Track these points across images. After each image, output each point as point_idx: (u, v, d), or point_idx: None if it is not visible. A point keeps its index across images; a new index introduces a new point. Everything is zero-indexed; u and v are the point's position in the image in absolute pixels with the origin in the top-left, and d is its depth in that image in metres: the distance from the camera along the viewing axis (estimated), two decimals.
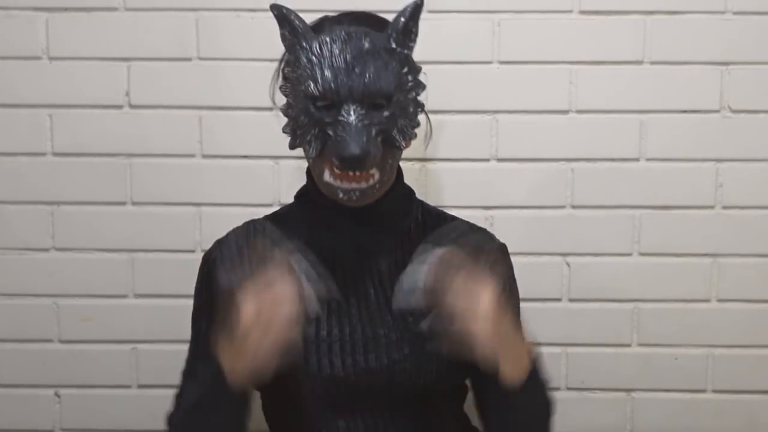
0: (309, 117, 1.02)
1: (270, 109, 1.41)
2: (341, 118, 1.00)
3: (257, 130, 1.42)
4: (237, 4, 1.41)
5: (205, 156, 1.43)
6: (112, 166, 1.43)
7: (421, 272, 0.98)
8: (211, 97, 1.42)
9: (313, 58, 1.02)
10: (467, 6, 1.41)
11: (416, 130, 1.08)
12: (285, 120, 1.07)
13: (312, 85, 1.01)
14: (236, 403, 0.98)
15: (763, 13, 1.41)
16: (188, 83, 1.42)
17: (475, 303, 0.95)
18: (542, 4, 1.41)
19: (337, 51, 1.01)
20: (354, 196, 1.04)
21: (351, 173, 1.02)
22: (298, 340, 0.95)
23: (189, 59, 1.42)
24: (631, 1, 1.41)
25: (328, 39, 1.02)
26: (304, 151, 1.06)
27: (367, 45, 1.02)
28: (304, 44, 1.03)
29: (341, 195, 1.04)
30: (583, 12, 1.41)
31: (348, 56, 1.01)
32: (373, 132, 1.01)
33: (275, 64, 1.37)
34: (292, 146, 1.07)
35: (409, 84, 1.06)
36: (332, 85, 1.00)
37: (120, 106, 1.43)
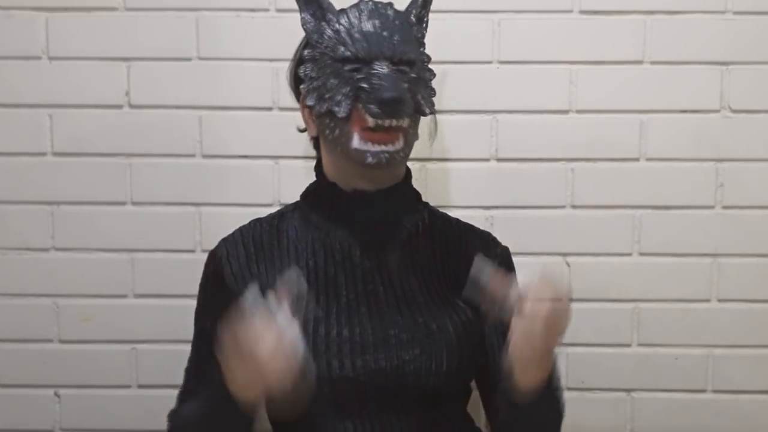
0: (339, 78, 1.05)
1: (270, 109, 1.42)
2: (374, 71, 1.03)
3: (257, 130, 1.42)
4: (237, 4, 1.41)
5: (205, 156, 1.43)
6: (112, 166, 1.43)
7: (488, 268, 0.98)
8: (211, 97, 1.42)
9: (341, 27, 1.06)
10: (467, 6, 1.41)
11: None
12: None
13: (342, 48, 1.05)
14: (242, 416, 0.97)
15: (763, 13, 1.41)
16: (188, 83, 1.42)
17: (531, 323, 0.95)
18: (542, 4, 1.41)
19: (365, 18, 1.07)
20: (383, 158, 1.05)
21: (387, 122, 1.02)
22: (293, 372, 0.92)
23: (189, 59, 1.42)
24: (631, 1, 1.41)
25: (355, 10, 1.08)
26: (330, 119, 1.06)
27: (392, 14, 1.09)
28: (330, 16, 1.08)
29: (369, 159, 1.04)
30: (583, 12, 1.41)
31: (377, 22, 1.07)
32: (405, 85, 1.05)
33: (275, 64, 1.38)
34: (318, 113, 1.07)
35: (425, 64, 1.12)
36: (364, 44, 1.05)
37: (120, 106, 1.43)
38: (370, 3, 1.08)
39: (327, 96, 1.05)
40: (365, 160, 1.05)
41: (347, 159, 1.07)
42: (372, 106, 1.02)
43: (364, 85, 1.03)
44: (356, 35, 1.05)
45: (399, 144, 1.06)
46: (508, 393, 1.00)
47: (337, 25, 1.07)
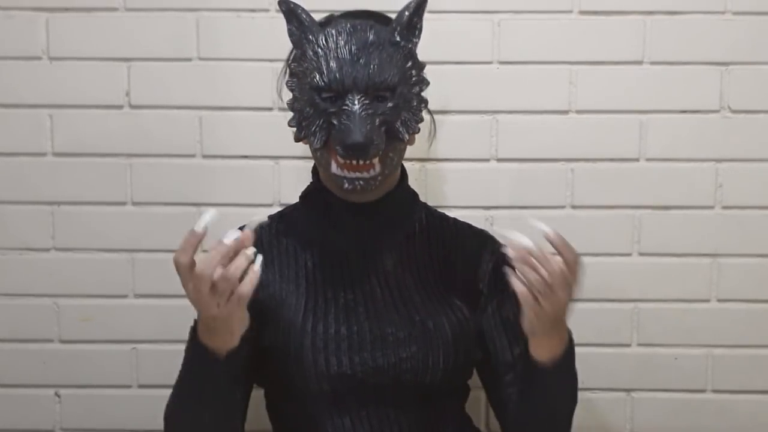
0: (314, 108, 1.04)
1: (270, 109, 1.42)
2: (345, 107, 1.02)
3: (257, 130, 1.42)
4: (237, 4, 1.41)
5: (205, 156, 1.43)
6: (112, 166, 1.43)
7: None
8: (211, 97, 1.42)
9: (319, 50, 1.04)
10: (467, 6, 1.41)
11: (419, 126, 1.09)
12: (290, 116, 1.09)
13: (317, 76, 1.03)
14: (218, 370, 0.97)
15: (763, 13, 1.40)
16: (188, 83, 1.42)
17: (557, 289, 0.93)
18: (542, 4, 1.41)
19: (342, 42, 1.04)
20: (358, 186, 1.05)
21: (354, 162, 1.03)
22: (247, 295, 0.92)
23: (189, 59, 1.42)
24: (631, 1, 1.40)
25: (333, 32, 1.05)
26: (309, 143, 1.08)
27: (371, 37, 1.04)
28: (310, 37, 1.06)
29: (346, 185, 1.05)
30: (583, 12, 1.41)
31: (353, 47, 1.03)
32: (377, 122, 1.02)
33: (275, 65, 1.38)
34: (297, 138, 1.09)
35: (413, 78, 1.08)
36: (337, 75, 1.02)
37: (120, 106, 1.43)
38: (348, 25, 1.05)
39: (304, 124, 1.07)
40: (342, 185, 1.06)
41: (328, 179, 1.10)
42: (338, 148, 1.02)
43: (334, 122, 1.03)
44: (331, 63, 1.03)
45: (375, 171, 1.05)
46: (524, 365, 1.02)
47: (316, 47, 1.05)
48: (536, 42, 1.41)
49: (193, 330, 0.99)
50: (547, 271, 0.92)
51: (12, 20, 1.41)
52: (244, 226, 1.07)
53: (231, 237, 0.92)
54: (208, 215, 0.93)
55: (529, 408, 1.06)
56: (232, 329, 0.95)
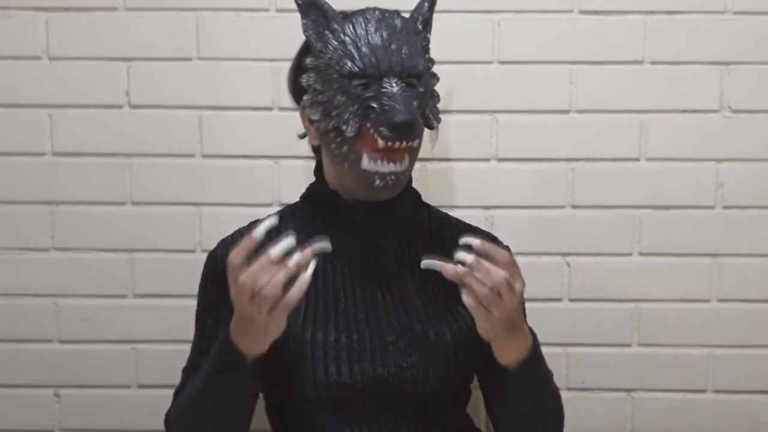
0: (347, 95, 1.02)
1: (270, 109, 1.42)
2: (384, 89, 1.00)
3: (257, 130, 1.42)
4: (237, 4, 1.41)
5: (205, 156, 1.43)
6: (112, 166, 1.43)
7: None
8: (211, 97, 1.42)
9: (347, 38, 1.03)
10: (467, 6, 1.41)
11: (440, 117, 1.10)
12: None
13: (349, 63, 1.02)
14: (243, 368, 0.96)
15: (763, 13, 1.41)
16: (188, 83, 1.42)
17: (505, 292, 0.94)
18: (542, 4, 1.41)
19: (372, 29, 1.03)
20: (390, 181, 1.03)
21: (398, 144, 1.00)
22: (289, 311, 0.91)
23: (189, 59, 1.42)
24: (631, 1, 1.41)
25: (361, 19, 1.04)
26: (337, 135, 1.03)
27: (399, 24, 1.05)
28: (335, 26, 1.04)
29: (377, 182, 1.03)
30: (583, 12, 1.41)
31: (384, 33, 1.03)
32: (414, 104, 1.02)
33: (275, 64, 1.38)
34: (324, 130, 1.05)
35: (430, 70, 1.10)
36: (372, 59, 1.01)
37: (120, 106, 1.43)
38: (377, 12, 1.05)
39: (334, 113, 1.03)
40: (373, 182, 1.03)
41: (354, 177, 1.06)
42: (383, 129, 0.99)
43: (374, 105, 1.00)
44: (363, 49, 1.01)
45: (405, 163, 1.04)
46: (497, 374, 1.03)
47: (342, 36, 1.03)
48: (536, 42, 1.41)
49: (226, 330, 0.97)
50: (492, 281, 0.93)
51: (12, 20, 1.41)
52: (256, 221, 1.06)
53: (280, 248, 0.90)
54: (268, 221, 0.92)
55: (513, 411, 1.08)
56: (267, 335, 0.94)
